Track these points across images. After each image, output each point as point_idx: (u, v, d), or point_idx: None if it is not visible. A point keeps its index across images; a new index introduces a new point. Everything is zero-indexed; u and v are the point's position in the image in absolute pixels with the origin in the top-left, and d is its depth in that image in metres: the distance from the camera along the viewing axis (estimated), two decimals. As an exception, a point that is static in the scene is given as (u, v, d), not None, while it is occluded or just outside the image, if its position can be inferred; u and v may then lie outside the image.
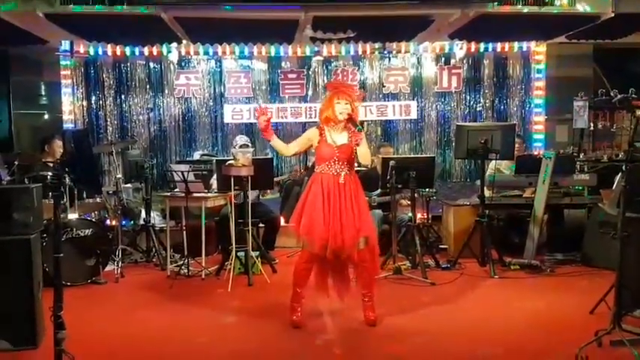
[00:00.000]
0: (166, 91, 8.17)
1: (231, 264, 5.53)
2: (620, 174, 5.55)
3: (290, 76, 8.25)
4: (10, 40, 7.09)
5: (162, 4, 5.90)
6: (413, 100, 8.32)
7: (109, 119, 8.12)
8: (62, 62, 7.87)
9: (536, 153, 7.80)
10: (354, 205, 4.11)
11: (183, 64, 8.13)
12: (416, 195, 6.12)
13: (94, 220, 6.65)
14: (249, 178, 5.53)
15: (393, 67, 8.33)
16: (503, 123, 7.68)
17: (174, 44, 7.58)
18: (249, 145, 6.39)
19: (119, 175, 6.32)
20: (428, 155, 7.58)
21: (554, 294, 5.11)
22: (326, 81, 8.08)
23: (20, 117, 8.31)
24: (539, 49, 8.24)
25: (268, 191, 7.01)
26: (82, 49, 7.79)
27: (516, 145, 6.38)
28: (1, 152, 6.49)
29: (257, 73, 8.23)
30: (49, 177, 5.42)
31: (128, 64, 8.10)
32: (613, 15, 6.29)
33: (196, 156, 7.80)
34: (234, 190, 5.60)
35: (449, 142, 8.27)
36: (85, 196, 6.16)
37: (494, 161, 6.29)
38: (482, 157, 6.01)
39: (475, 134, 6.03)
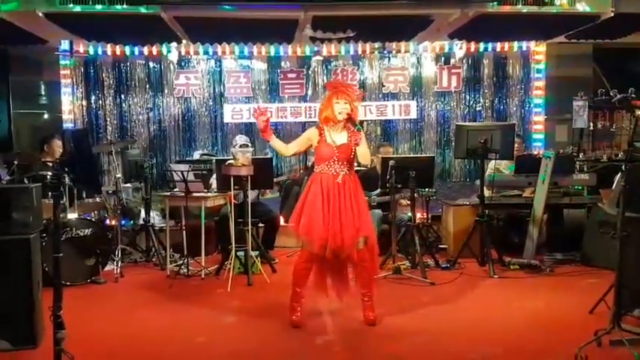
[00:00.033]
0: (166, 91, 8.16)
1: (230, 264, 5.53)
2: (619, 174, 5.55)
3: (290, 75, 8.24)
4: (10, 39, 7.10)
5: (162, 4, 5.90)
6: (412, 99, 8.31)
7: (108, 119, 8.12)
8: (62, 62, 7.87)
9: (535, 153, 7.79)
10: (353, 204, 4.11)
11: (182, 63, 8.13)
12: (415, 195, 6.10)
13: (93, 219, 6.65)
14: (249, 177, 5.53)
15: (393, 66, 8.33)
16: (503, 123, 7.66)
17: (173, 44, 7.57)
18: (249, 144, 6.37)
19: (119, 175, 6.33)
20: (427, 155, 7.57)
21: (554, 294, 5.11)
22: (326, 81, 8.07)
23: (20, 116, 8.30)
24: (538, 49, 8.24)
25: (268, 191, 7.01)
26: (81, 49, 7.78)
27: (516, 145, 6.38)
28: (0, 152, 6.49)
29: (257, 73, 8.22)
30: (48, 177, 5.43)
31: (128, 63, 8.09)
32: (613, 15, 6.30)
33: (196, 156, 7.80)
34: (234, 189, 5.60)
35: (448, 141, 8.28)
36: (84, 195, 6.16)
37: (493, 161, 6.29)
38: (482, 157, 6.01)
39: (475, 134, 6.03)
